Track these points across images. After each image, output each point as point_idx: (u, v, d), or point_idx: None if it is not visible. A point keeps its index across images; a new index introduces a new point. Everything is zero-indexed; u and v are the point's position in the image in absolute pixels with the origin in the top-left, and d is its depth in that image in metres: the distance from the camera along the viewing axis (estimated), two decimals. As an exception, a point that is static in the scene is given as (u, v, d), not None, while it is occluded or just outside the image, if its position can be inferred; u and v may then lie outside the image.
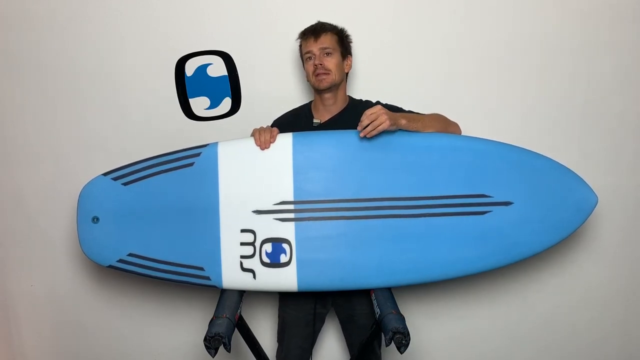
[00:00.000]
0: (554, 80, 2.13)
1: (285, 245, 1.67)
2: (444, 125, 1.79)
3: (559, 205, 1.70)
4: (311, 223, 1.68)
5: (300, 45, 1.85)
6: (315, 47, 1.77)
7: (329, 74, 1.77)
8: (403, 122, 1.66)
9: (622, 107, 2.15)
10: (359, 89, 2.06)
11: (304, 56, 1.82)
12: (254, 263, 1.67)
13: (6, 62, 2.14)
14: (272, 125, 1.85)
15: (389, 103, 1.85)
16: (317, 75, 1.77)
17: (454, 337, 2.35)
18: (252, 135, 1.73)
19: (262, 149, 1.69)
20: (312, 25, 1.83)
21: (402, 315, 1.53)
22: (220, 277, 1.68)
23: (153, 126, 2.16)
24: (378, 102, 1.86)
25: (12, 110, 2.18)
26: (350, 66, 1.88)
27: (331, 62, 1.78)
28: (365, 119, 1.61)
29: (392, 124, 1.63)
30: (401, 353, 1.47)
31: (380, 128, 1.61)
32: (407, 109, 1.82)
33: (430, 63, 2.12)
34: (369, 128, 1.61)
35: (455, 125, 1.85)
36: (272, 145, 1.70)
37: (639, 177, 2.20)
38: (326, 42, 1.78)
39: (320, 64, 1.77)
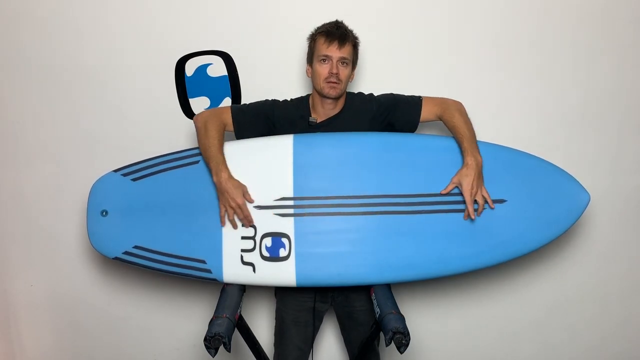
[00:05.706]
0: (553, 81, 2.14)
1: (284, 240, 1.70)
2: (469, 122, 1.77)
3: (551, 203, 1.73)
4: (310, 219, 1.71)
5: (315, 42, 1.76)
6: (337, 54, 1.71)
7: (340, 84, 1.74)
8: (479, 158, 1.68)
9: (621, 108, 2.17)
10: (359, 89, 2.05)
11: (319, 57, 1.74)
12: (254, 257, 1.70)
13: (6, 62, 2.13)
14: (272, 106, 1.82)
15: (381, 93, 1.85)
16: (329, 82, 1.73)
17: (454, 337, 2.36)
18: (222, 212, 1.70)
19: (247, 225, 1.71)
20: (336, 27, 1.75)
21: (402, 315, 1.55)
22: (221, 270, 1.70)
23: (153, 126, 2.17)
24: (371, 95, 1.86)
25: (12, 110, 2.18)
26: (354, 76, 1.86)
27: (344, 74, 1.74)
28: (471, 204, 1.66)
29: (481, 178, 1.68)
30: (401, 353, 1.48)
31: (486, 195, 1.68)
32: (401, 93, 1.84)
33: (429, 63, 2.13)
34: (481, 206, 1.67)
35: (465, 114, 1.80)
36: (273, 145, 1.73)
37: (635, 177, 2.22)
38: (347, 52, 1.73)
39: (336, 73, 1.72)
